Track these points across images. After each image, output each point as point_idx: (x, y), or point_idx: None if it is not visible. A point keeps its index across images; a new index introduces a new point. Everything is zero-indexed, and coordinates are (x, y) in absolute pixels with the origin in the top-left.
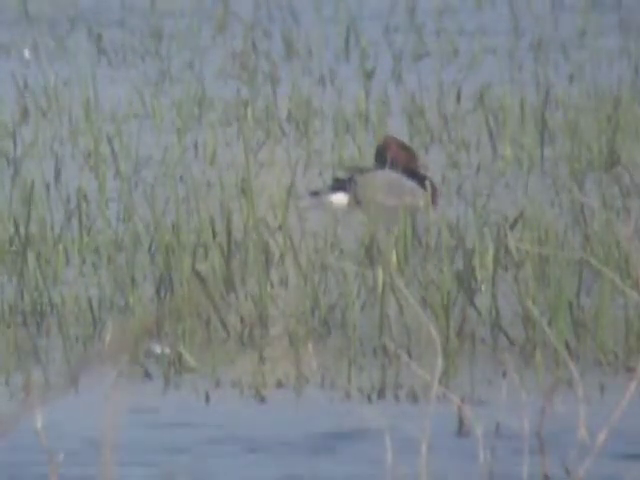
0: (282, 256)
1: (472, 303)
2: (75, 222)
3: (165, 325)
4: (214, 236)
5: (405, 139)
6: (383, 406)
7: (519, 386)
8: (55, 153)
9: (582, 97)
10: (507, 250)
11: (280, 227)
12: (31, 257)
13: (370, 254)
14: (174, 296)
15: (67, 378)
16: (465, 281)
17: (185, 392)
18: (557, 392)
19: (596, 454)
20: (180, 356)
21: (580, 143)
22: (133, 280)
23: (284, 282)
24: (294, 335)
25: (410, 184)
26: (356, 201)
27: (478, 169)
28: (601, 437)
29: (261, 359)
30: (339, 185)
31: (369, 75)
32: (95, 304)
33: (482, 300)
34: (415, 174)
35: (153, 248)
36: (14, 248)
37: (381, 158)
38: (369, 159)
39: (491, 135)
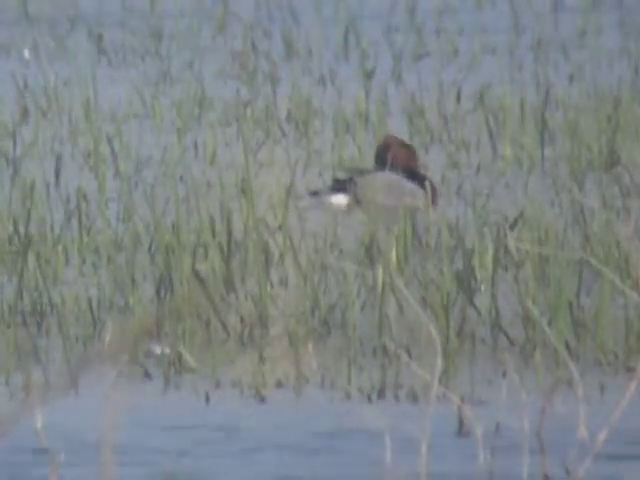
0: (282, 256)
1: (472, 303)
2: (75, 222)
3: (165, 325)
4: (214, 236)
5: (405, 139)
6: (383, 406)
7: (519, 386)
8: (55, 153)
9: (582, 97)
10: (507, 250)
11: (280, 227)
12: (31, 257)
13: (370, 254)
14: (174, 296)
15: (67, 378)
16: (465, 281)
17: (185, 392)
18: (557, 392)
19: (596, 454)
20: (180, 356)
21: (580, 143)
22: (133, 280)
23: (284, 282)
24: (294, 335)
25: (410, 186)
26: (356, 202)
27: (478, 169)
28: (601, 437)
29: (261, 359)
30: (339, 186)
31: (369, 75)
32: (95, 304)
33: (482, 300)
34: (415, 174)
35: (153, 248)
36: (14, 248)
37: (381, 158)
38: (369, 159)
39: (491, 135)
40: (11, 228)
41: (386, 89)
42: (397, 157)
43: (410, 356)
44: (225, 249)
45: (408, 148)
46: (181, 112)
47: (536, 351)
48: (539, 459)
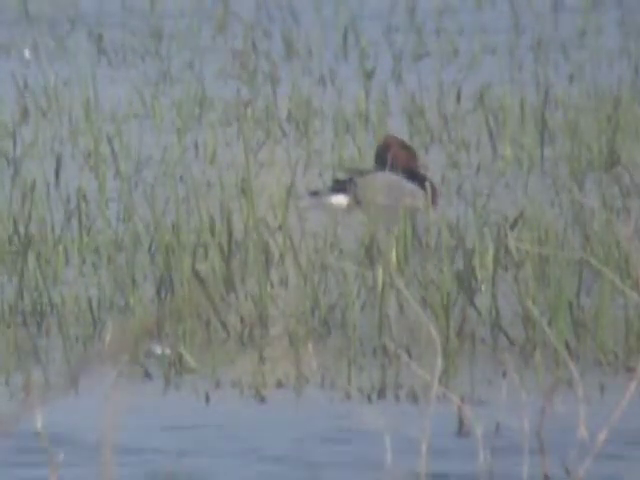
0: (282, 256)
1: (472, 303)
2: (75, 222)
3: (165, 325)
4: (214, 236)
5: (405, 139)
6: (383, 406)
7: (519, 386)
8: (55, 153)
9: (582, 97)
10: (507, 250)
11: (280, 227)
12: (31, 257)
13: (370, 254)
14: (174, 296)
15: (67, 378)
16: (465, 281)
17: (185, 392)
18: (557, 392)
19: (596, 454)
20: (180, 356)
21: (580, 143)
22: (133, 280)
23: (284, 282)
24: (294, 335)
25: (410, 186)
26: (356, 203)
27: (478, 169)
28: (601, 437)
29: (261, 359)
30: (339, 186)
31: (369, 75)
32: (95, 304)
33: (482, 300)
34: (415, 174)
35: (153, 248)
36: (14, 248)
37: (381, 158)
38: (369, 159)
39: (491, 135)
40: (11, 228)
41: (386, 89)
42: (397, 157)
43: (410, 356)
44: (225, 249)
45: (408, 150)
46: (181, 112)
47: (536, 351)
48: (539, 459)
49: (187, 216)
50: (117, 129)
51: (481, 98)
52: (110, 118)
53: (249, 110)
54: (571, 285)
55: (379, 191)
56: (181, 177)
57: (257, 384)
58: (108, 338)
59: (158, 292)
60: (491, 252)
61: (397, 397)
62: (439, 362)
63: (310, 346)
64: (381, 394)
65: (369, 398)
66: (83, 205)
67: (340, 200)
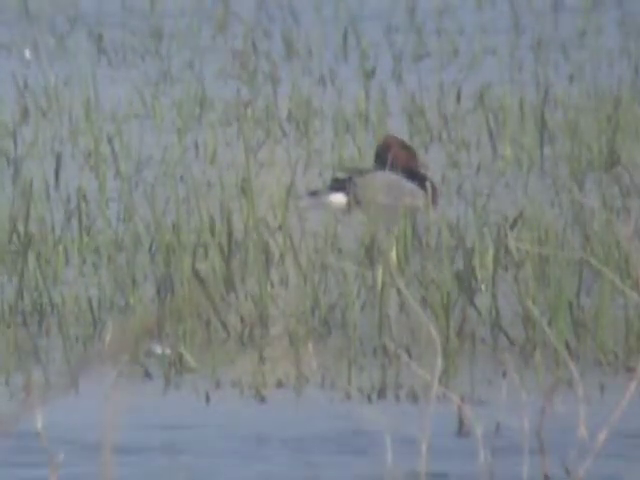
0: (282, 256)
1: (472, 303)
2: (75, 222)
3: (165, 325)
4: (214, 236)
5: (405, 139)
6: (383, 406)
7: (519, 386)
8: (55, 153)
9: (582, 97)
10: (507, 250)
11: (280, 227)
12: (31, 257)
13: (370, 254)
14: (174, 296)
15: (67, 378)
16: (465, 281)
17: (185, 392)
18: (557, 392)
19: (596, 454)
20: (180, 356)
21: (580, 143)
22: (133, 280)
23: (284, 282)
24: (294, 335)
25: (410, 186)
26: (355, 202)
27: (478, 169)
28: (601, 437)
29: (261, 359)
30: (338, 186)
31: (369, 75)
32: (95, 304)
33: (482, 300)
34: (415, 174)
35: (153, 248)
36: (14, 248)
37: (381, 158)
38: (369, 159)
39: (491, 135)
40: (11, 228)
41: (386, 89)
42: (397, 157)
43: (410, 356)
44: (225, 249)
45: (408, 149)
46: (181, 112)
47: (536, 351)
48: (539, 459)
49: (187, 216)
50: (117, 129)
51: (481, 98)
52: (110, 118)
53: (249, 110)
54: (571, 285)
55: (379, 191)
56: (181, 177)
57: (257, 384)
58: (108, 338)
59: (158, 292)
60: (491, 252)
61: (397, 397)
62: (439, 362)
63: (310, 346)
64: (381, 394)
65: (369, 398)
66: (83, 205)
67: (339, 199)
